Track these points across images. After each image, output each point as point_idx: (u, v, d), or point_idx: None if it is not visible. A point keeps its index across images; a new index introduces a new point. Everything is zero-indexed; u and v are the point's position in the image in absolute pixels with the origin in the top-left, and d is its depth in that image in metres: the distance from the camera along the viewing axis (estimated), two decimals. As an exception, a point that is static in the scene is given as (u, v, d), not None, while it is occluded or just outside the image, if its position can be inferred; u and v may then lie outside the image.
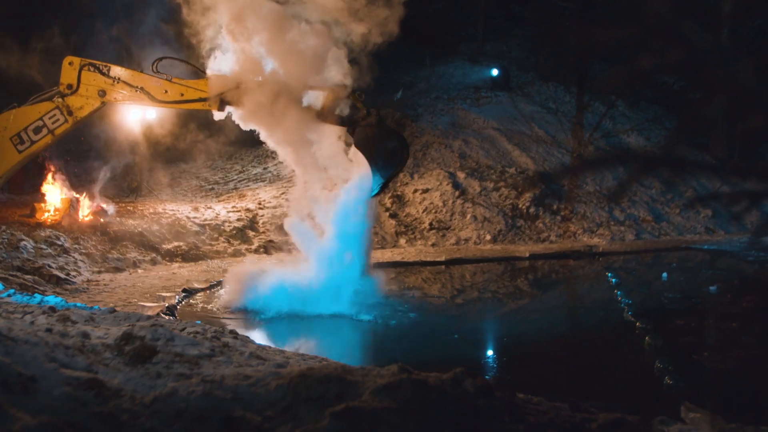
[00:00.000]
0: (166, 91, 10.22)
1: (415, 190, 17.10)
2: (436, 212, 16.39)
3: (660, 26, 2.14)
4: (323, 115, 9.87)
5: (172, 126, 17.43)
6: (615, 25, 2.47)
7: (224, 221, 15.35)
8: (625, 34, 2.40)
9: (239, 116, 10.22)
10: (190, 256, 13.40)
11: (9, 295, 8.33)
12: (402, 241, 15.62)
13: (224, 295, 10.26)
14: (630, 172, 2.44)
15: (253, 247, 14.46)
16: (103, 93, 10.24)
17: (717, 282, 11.53)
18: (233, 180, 19.87)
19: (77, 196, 13.84)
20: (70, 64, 10.27)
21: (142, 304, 9.44)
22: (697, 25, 2.13)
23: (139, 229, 13.78)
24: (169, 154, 18.80)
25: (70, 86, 10.23)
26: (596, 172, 17.88)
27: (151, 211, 15.42)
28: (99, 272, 11.60)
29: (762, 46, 20.25)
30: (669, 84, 23.02)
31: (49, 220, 12.99)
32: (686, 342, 8.35)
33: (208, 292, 10.79)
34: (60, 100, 10.23)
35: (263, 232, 15.16)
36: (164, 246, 13.62)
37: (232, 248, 14.21)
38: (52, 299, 8.24)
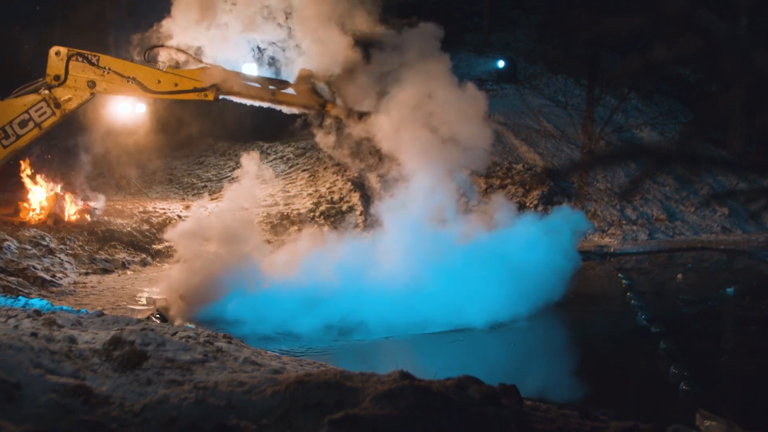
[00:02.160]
0: (159, 81, 10.21)
1: (423, 189, 17.07)
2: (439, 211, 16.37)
3: (675, 15, 2.13)
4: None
5: (164, 121, 17.45)
6: (627, 14, 2.47)
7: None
8: (638, 24, 2.39)
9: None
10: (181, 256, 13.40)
11: (-8, 298, 8.34)
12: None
13: None
14: (643, 169, 2.44)
15: (248, 247, 14.43)
16: (92, 84, 10.20)
17: (734, 284, 11.51)
18: (226, 177, 19.86)
19: (63, 194, 13.83)
20: (56, 54, 10.22)
21: (132, 307, 9.45)
22: (714, 14, 2.12)
23: (128, 229, 13.79)
24: (160, 150, 18.81)
25: (57, 77, 10.18)
26: (607, 168, 17.86)
27: (141, 209, 15.43)
28: (86, 274, 11.61)
29: (781, 37, 20.22)
30: (684, 76, 23.00)
31: (34, 219, 12.99)
32: (702, 347, 8.35)
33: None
34: (47, 92, 10.19)
35: (259, 232, 15.16)
36: (154, 246, 13.63)
37: (226, 249, 14.20)
38: (37, 302, 8.23)
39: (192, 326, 7.40)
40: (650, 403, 6.63)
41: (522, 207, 16.70)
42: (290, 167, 19.55)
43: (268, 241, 14.50)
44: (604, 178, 18.21)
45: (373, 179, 17.17)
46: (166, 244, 13.70)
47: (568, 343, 9.05)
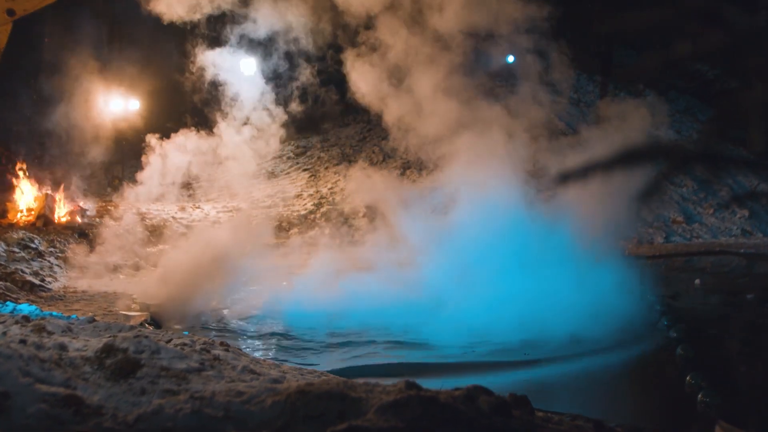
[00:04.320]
0: None
1: (422, 189, 17.05)
2: (445, 212, 16.36)
3: (695, 8, 2.12)
4: None
5: (156, 118, 17.45)
6: (644, 7, 2.46)
7: (214, 222, 15.35)
8: (655, 17, 2.38)
9: None
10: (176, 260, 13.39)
11: (-22, 304, 8.36)
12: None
13: None
14: (660, 170, 2.42)
15: (246, 250, 14.41)
16: (11, 12, 10.15)
17: (755, 289, 11.47)
18: (223, 177, 19.85)
19: (53, 194, 13.84)
20: None
21: (125, 313, 9.44)
22: (736, 7, 2.11)
23: (121, 231, 13.79)
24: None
25: None
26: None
27: (134, 211, 15.43)
28: (77, 278, 11.61)
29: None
30: (702, 72, 22.92)
31: (23, 221, 13.00)
32: (721, 355, 8.32)
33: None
34: None
35: (257, 235, 15.15)
36: (148, 249, 13.63)
37: (223, 252, 14.18)
38: (25, 308, 8.25)
39: (187, 333, 7.40)
40: (667, 414, 6.61)
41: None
42: (290, 167, 19.56)
43: (266, 245, 14.50)
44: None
45: (377, 180, 17.16)
46: (161, 247, 13.72)
47: (582, 353, 9.01)
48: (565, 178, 2.30)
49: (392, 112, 10.46)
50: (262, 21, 10.98)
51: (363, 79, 10.40)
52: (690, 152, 2.55)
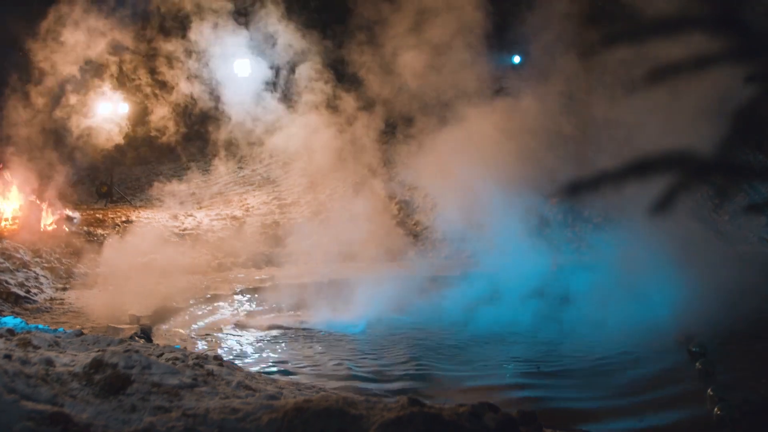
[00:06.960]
0: None
1: (426, 195, 17.05)
2: (449, 220, 16.35)
3: (710, 8, 2.14)
4: None
5: (148, 122, 17.49)
6: (656, 7, 2.47)
7: (207, 231, 15.37)
8: (668, 17, 2.39)
9: None
10: (167, 270, 13.38)
11: (-39, 316, 8.36)
12: (411, 253, 15.57)
13: None
14: (675, 180, 2.42)
15: (241, 260, 14.45)
16: None
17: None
18: (217, 183, 19.89)
19: (39, 202, 13.84)
20: None
21: (114, 326, 9.43)
22: (753, 7, 2.12)
23: (110, 240, 13.80)
24: (144, 154, 18.83)
25: None
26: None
27: (124, 219, 15.46)
28: (64, 289, 11.61)
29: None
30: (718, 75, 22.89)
31: (7, 230, 12.99)
32: (740, 368, 8.31)
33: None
34: None
35: (252, 243, 15.16)
36: (138, 259, 13.63)
37: (216, 261, 14.20)
38: (10, 321, 8.25)
39: (179, 347, 7.40)
40: (684, 429, 6.60)
41: (541, 216, 16.65)
42: (286, 172, 19.56)
43: (262, 253, 14.49)
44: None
45: (377, 185, 17.18)
46: (151, 256, 13.72)
47: (596, 362, 9.02)
48: (576, 188, 2.29)
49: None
50: None
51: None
52: (707, 160, 2.55)
